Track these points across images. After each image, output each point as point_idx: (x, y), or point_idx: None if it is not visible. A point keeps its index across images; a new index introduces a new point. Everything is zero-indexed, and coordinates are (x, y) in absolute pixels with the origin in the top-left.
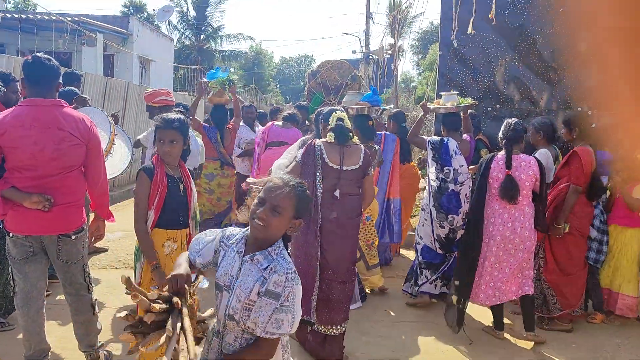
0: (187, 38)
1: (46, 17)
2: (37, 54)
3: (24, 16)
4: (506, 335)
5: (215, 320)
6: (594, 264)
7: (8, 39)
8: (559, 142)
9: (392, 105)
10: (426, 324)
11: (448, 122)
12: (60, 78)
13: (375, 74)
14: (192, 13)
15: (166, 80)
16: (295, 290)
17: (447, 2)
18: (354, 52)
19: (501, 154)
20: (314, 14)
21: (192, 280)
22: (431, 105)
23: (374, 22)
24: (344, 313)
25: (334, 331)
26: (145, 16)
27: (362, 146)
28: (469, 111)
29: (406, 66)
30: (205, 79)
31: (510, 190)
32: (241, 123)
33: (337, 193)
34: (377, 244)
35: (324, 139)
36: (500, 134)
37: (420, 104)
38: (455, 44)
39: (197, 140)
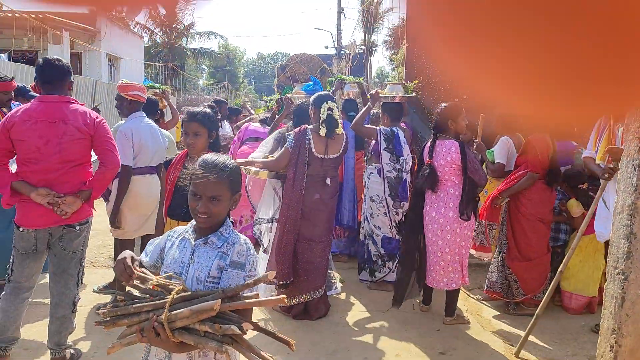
0: (158, 36)
1: (9, 15)
2: (47, 57)
3: None
4: (472, 320)
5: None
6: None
7: None
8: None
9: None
10: (388, 311)
11: (391, 111)
12: (71, 77)
13: (355, 68)
14: (162, 10)
15: (136, 78)
16: (256, 259)
17: None
18: (326, 47)
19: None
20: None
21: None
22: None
23: (345, 17)
24: (323, 277)
25: (316, 295)
26: (113, 13)
27: (344, 134)
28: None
29: (381, 62)
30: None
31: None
32: None
33: (328, 181)
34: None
35: (311, 127)
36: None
37: (371, 92)
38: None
39: (164, 135)
